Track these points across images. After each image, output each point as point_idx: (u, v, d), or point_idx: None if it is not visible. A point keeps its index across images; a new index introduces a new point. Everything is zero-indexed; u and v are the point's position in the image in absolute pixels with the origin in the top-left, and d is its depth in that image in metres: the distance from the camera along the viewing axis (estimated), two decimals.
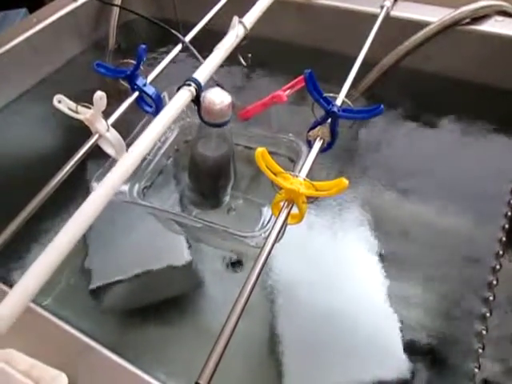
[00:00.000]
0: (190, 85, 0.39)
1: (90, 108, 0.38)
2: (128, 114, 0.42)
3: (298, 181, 0.31)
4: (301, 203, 0.31)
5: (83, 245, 0.46)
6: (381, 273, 0.43)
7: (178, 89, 0.40)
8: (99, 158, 0.41)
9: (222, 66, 0.43)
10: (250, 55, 0.50)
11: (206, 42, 0.46)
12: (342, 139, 0.38)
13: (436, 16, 0.59)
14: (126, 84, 0.43)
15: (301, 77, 0.44)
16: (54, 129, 0.60)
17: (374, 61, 0.57)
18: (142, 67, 0.42)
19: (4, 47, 0.60)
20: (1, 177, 0.55)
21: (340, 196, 0.50)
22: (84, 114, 0.38)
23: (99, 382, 0.32)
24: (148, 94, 0.43)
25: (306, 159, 0.34)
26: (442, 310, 0.41)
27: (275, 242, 0.30)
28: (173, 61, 0.47)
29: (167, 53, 0.48)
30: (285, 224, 0.31)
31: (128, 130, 0.47)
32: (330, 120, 0.37)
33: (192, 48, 0.50)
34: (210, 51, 0.43)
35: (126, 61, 0.44)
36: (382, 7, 0.58)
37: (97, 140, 0.39)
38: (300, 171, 0.33)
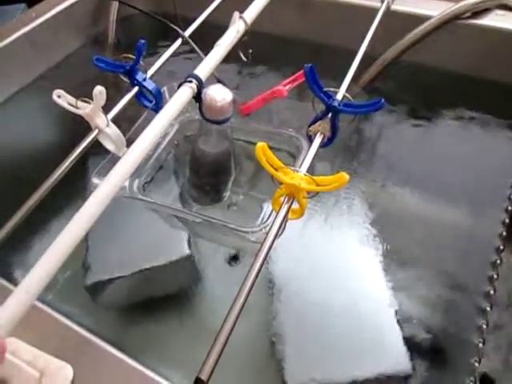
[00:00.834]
0: (191, 81, 0.39)
1: (89, 103, 0.38)
2: (127, 108, 0.42)
3: (298, 176, 0.30)
4: (301, 198, 0.31)
5: (83, 240, 0.45)
6: (381, 267, 0.43)
7: (179, 85, 0.39)
8: (99, 153, 0.41)
9: (222, 61, 0.43)
10: (250, 51, 0.50)
11: (206, 37, 0.46)
12: (343, 133, 0.38)
13: (437, 10, 0.59)
14: (125, 79, 0.43)
15: (301, 71, 0.44)
16: (54, 123, 0.60)
17: (374, 55, 0.57)
18: (141, 62, 0.42)
19: (3, 42, 0.60)
20: (0, 172, 0.55)
21: (340, 190, 0.50)
22: (84, 108, 0.38)
23: (102, 375, 0.32)
24: (148, 89, 0.43)
25: (306, 154, 0.34)
26: (443, 305, 0.41)
27: (276, 237, 0.30)
28: (172, 55, 0.47)
29: (167, 47, 0.48)
30: (285, 219, 0.31)
31: (128, 125, 0.47)
32: (330, 115, 0.36)
33: (192, 43, 0.50)
34: (210, 45, 0.43)
35: (125, 55, 0.44)
36: (382, 1, 0.58)
37: (96, 135, 0.39)
38: (300, 166, 0.33)
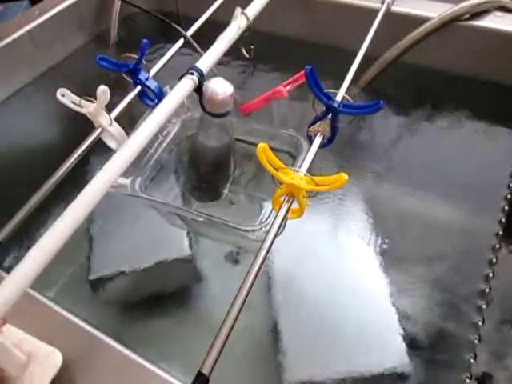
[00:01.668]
0: (192, 74, 0.39)
1: (93, 102, 0.39)
2: (130, 107, 0.43)
3: (298, 176, 0.31)
4: (301, 198, 0.32)
5: (86, 237, 0.46)
6: (379, 265, 0.44)
7: (181, 77, 0.40)
8: (101, 151, 0.41)
9: (222, 62, 0.43)
10: (252, 47, 0.50)
11: (208, 36, 0.46)
12: (342, 133, 0.38)
13: (436, 11, 0.59)
14: (128, 78, 0.44)
15: (301, 72, 0.45)
16: (57, 121, 0.61)
17: (374, 56, 0.57)
18: (144, 61, 0.43)
19: (6, 39, 0.60)
20: (3, 169, 0.55)
21: (339, 190, 0.50)
22: (87, 107, 0.39)
23: (92, 363, 0.32)
24: (150, 89, 0.43)
25: (306, 154, 0.35)
26: (440, 303, 0.41)
27: (276, 236, 0.30)
28: (175, 55, 0.48)
29: (169, 46, 0.48)
30: (285, 218, 0.32)
31: (130, 123, 0.47)
32: (330, 115, 0.37)
33: (194, 43, 0.50)
34: (212, 44, 0.43)
35: (128, 55, 0.45)
36: (382, 2, 0.58)
37: (100, 134, 0.40)
38: (300, 166, 0.33)
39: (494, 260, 0.43)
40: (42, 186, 0.36)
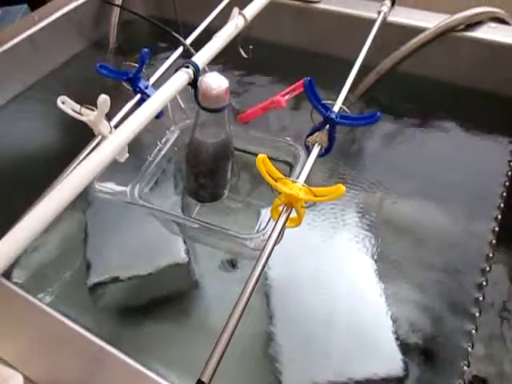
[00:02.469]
0: (187, 67, 0.39)
1: (93, 110, 0.39)
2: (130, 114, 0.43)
3: (297, 186, 0.32)
4: (299, 208, 0.32)
5: (83, 243, 0.46)
6: (375, 273, 0.44)
7: (176, 71, 0.40)
8: None
9: (220, 69, 0.44)
10: (251, 47, 0.50)
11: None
12: (339, 142, 0.39)
13: (431, 22, 0.60)
14: (128, 86, 0.44)
15: (299, 82, 0.45)
16: (56, 126, 0.61)
17: (370, 65, 0.58)
18: (143, 69, 0.43)
19: (6, 45, 0.61)
20: (2, 175, 0.55)
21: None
22: (87, 115, 0.39)
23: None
24: (150, 97, 0.43)
25: (304, 165, 0.35)
26: (434, 310, 0.42)
27: (275, 244, 0.31)
28: (174, 63, 0.48)
29: (168, 51, 0.48)
30: (284, 227, 0.32)
31: None
32: (328, 126, 0.38)
33: (193, 50, 0.51)
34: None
35: (128, 63, 0.45)
36: (379, 12, 0.59)
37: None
38: (299, 177, 0.34)
39: (488, 268, 0.44)
40: (43, 194, 0.36)
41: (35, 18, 0.64)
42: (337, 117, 0.37)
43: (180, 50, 0.51)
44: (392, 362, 0.38)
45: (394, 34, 0.61)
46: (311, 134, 0.38)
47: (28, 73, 0.65)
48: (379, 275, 0.44)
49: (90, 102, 0.39)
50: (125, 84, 0.44)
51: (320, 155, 0.38)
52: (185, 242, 0.46)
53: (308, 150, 0.38)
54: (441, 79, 0.64)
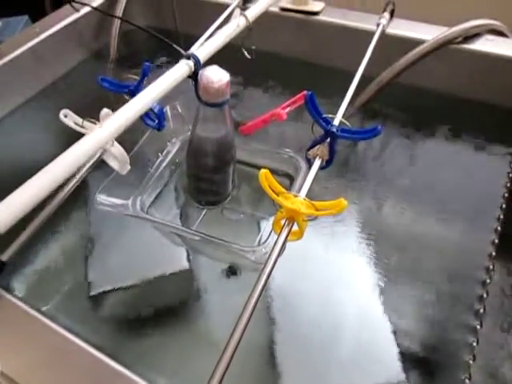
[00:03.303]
0: (188, 59, 0.39)
1: (95, 123, 0.39)
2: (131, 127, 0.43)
3: (299, 200, 0.32)
4: (301, 221, 0.33)
5: (85, 254, 0.46)
6: (375, 284, 0.44)
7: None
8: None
9: None
10: (253, 47, 0.50)
11: None
12: (340, 153, 0.39)
13: (430, 34, 0.61)
14: (129, 98, 0.44)
15: (300, 94, 0.46)
16: (57, 138, 0.61)
17: (370, 76, 0.58)
18: (145, 82, 0.43)
19: (8, 57, 0.61)
20: (4, 186, 0.55)
21: None
22: (90, 129, 0.39)
23: None
24: (151, 109, 0.44)
25: (305, 178, 0.36)
26: (435, 322, 0.42)
27: (277, 258, 0.31)
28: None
29: (168, 61, 0.48)
30: (286, 241, 0.33)
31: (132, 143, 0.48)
32: (329, 139, 0.38)
33: (193, 63, 0.51)
34: (212, 63, 0.44)
35: (129, 76, 0.45)
36: (378, 25, 0.60)
37: (102, 154, 0.40)
38: (300, 190, 0.34)
39: (488, 281, 0.44)
40: (46, 207, 0.37)
41: (36, 30, 0.65)
42: (338, 130, 0.37)
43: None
44: (392, 373, 0.39)
45: (393, 45, 0.61)
46: (312, 146, 0.39)
47: (29, 84, 0.65)
48: (379, 286, 0.44)
49: (90, 112, 0.39)
50: (126, 97, 0.44)
51: (321, 168, 0.38)
52: (187, 253, 0.46)
53: (309, 163, 0.38)
54: (440, 90, 0.65)
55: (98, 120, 0.39)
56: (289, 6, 0.69)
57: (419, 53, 0.59)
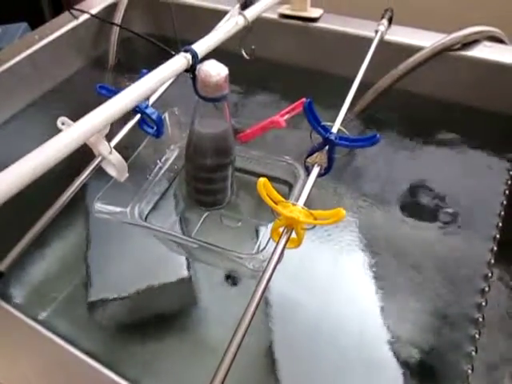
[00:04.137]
0: (186, 52, 0.39)
1: None
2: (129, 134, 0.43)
3: (297, 209, 0.32)
4: (299, 229, 0.33)
5: (84, 261, 0.46)
6: (374, 292, 0.44)
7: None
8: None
9: None
10: (253, 47, 0.50)
11: None
12: (338, 160, 0.39)
13: (428, 40, 0.61)
14: None
15: (298, 102, 0.46)
16: None
17: (368, 83, 0.59)
18: None
19: (7, 64, 0.61)
20: None
21: None
22: None
23: None
24: (150, 116, 0.44)
25: (304, 186, 0.36)
26: (433, 331, 0.42)
27: (276, 266, 0.31)
28: (173, 81, 0.48)
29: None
30: (284, 248, 0.33)
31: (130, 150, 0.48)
32: (327, 147, 0.38)
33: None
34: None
35: (128, 84, 0.45)
36: (376, 31, 0.60)
37: (100, 162, 0.40)
38: (299, 198, 0.34)
39: (487, 289, 0.44)
40: (44, 215, 0.36)
41: (35, 37, 0.65)
42: (336, 138, 0.37)
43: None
44: (391, 381, 0.39)
45: (392, 52, 0.62)
46: (310, 154, 0.39)
47: (28, 91, 0.65)
48: (378, 294, 0.44)
49: None
50: None
51: (319, 175, 0.38)
52: (186, 260, 0.46)
53: (308, 171, 0.38)
54: (438, 97, 0.65)
55: None
56: (288, 12, 0.69)
57: (417, 59, 0.59)
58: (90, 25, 0.72)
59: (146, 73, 0.43)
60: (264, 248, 0.41)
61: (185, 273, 0.45)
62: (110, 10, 0.74)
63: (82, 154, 0.39)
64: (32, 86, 0.65)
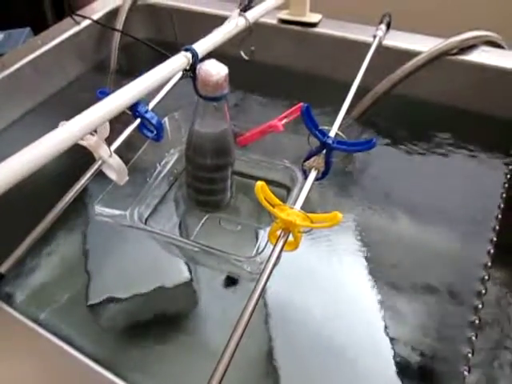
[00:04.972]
0: (186, 51, 0.39)
1: (93, 135, 0.40)
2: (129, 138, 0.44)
3: (294, 212, 0.32)
4: (296, 232, 0.33)
5: (83, 264, 0.47)
6: (372, 295, 0.45)
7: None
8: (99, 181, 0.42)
9: None
10: (252, 48, 0.51)
11: None
12: (335, 163, 0.39)
13: (426, 45, 0.61)
14: (127, 110, 0.45)
15: (296, 106, 0.46)
16: None
17: (366, 87, 0.59)
18: None
19: (10, 68, 0.62)
20: (3, 199, 0.55)
21: None
22: (88, 140, 0.40)
23: None
24: (149, 121, 0.44)
25: (301, 190, 0.36)
26: (430, 333, 0.42)
27: (273, 268, 0.31)
28: (174, 86, 0.49)
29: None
30: (281, 251, 0.33)
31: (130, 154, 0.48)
32: (325, 151, 0.38)
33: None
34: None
35: None
36: (374, 36, 0.60)
37: (100, 166, 0.41)
38: (296, 202, 0.34)
39: (483, 291, 0.44)
40: (45, 218, 0.37)
41: (38, 43, 0.66)
42: (333, 142, 0.38)
43: (180, 73, 0.51)
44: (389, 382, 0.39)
45: (390, 57, 0.62)
46: (308, 158, 0.39)
47: (30, 96, 0.66)
48: (376, 296, 0.44)
49: None
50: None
51: (317, 179, 0.39)
52: (186, 263, 0.46)
53: (305, 175, 0.39)
54: (436, 102, 0.65)
55: (96, 131, 0.39)
56: (287, 17, 0.70)
57: (415, 64, 0.60)
58: (92, 30, 0.73)
59: None
60: (262, 251, 0.41)
61: (184, 276, 0.45)
62: (112, 15, 0.75)
63: (83, 158, 0.40)
64: (34, 90, 0.66)
